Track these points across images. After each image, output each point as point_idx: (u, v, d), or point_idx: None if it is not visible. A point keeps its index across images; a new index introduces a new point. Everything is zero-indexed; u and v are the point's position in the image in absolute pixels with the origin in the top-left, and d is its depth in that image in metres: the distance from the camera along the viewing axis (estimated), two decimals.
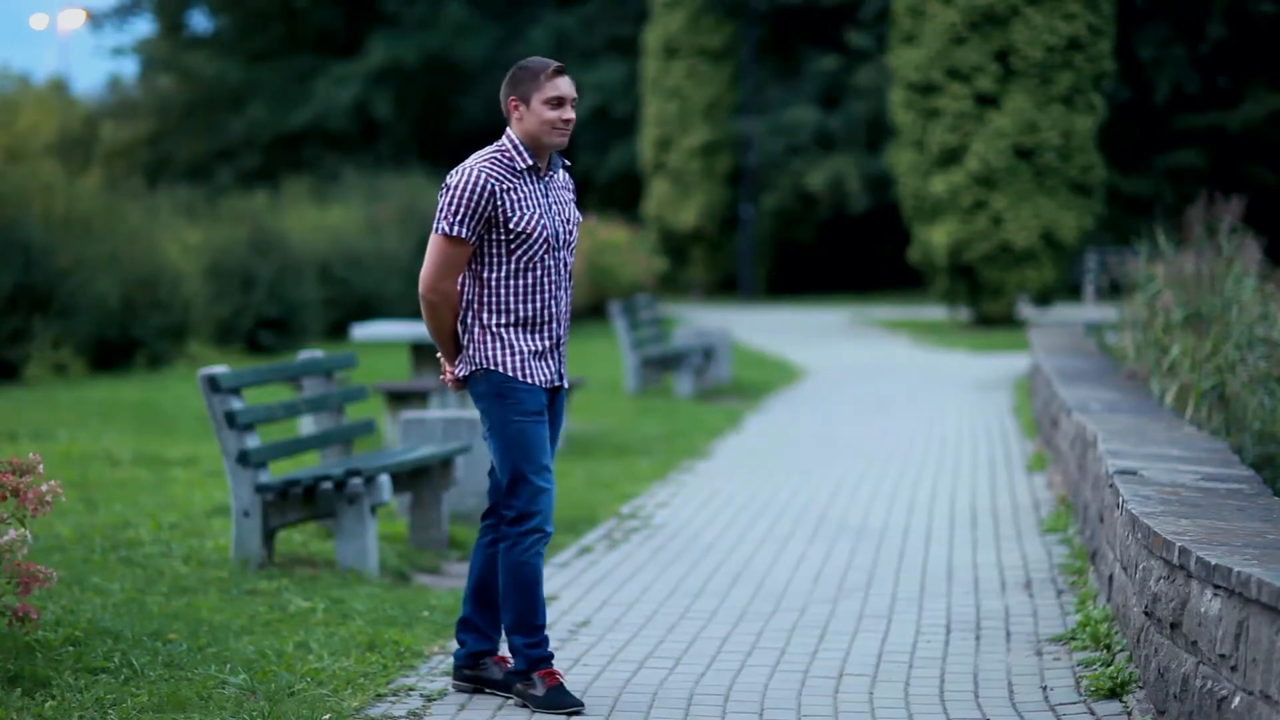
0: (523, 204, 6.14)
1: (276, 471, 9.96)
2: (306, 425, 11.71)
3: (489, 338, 6.17)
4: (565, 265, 6.26)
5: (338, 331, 25.97)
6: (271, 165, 45.37)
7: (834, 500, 11.14)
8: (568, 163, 6.40)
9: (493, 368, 6.17)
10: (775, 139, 41.37)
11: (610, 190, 44.23)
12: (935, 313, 33.17)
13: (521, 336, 6.18)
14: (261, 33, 49.13)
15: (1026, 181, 29.28)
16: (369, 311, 26.65)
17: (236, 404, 8.45)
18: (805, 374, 21.44)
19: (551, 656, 6.29)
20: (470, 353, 6.21)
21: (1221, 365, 10.73)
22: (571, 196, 6.37)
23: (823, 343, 26.92)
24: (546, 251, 6.18)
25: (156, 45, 50.49)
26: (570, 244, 6.28)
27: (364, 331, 14.27)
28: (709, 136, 41.15)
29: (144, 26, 69.66)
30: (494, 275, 6.16)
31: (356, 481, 8.46)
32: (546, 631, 6.34)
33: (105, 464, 12.04)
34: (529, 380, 6.18)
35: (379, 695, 6.36)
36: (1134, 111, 38.92)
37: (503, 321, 6.17)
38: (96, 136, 43.49)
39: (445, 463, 9.31)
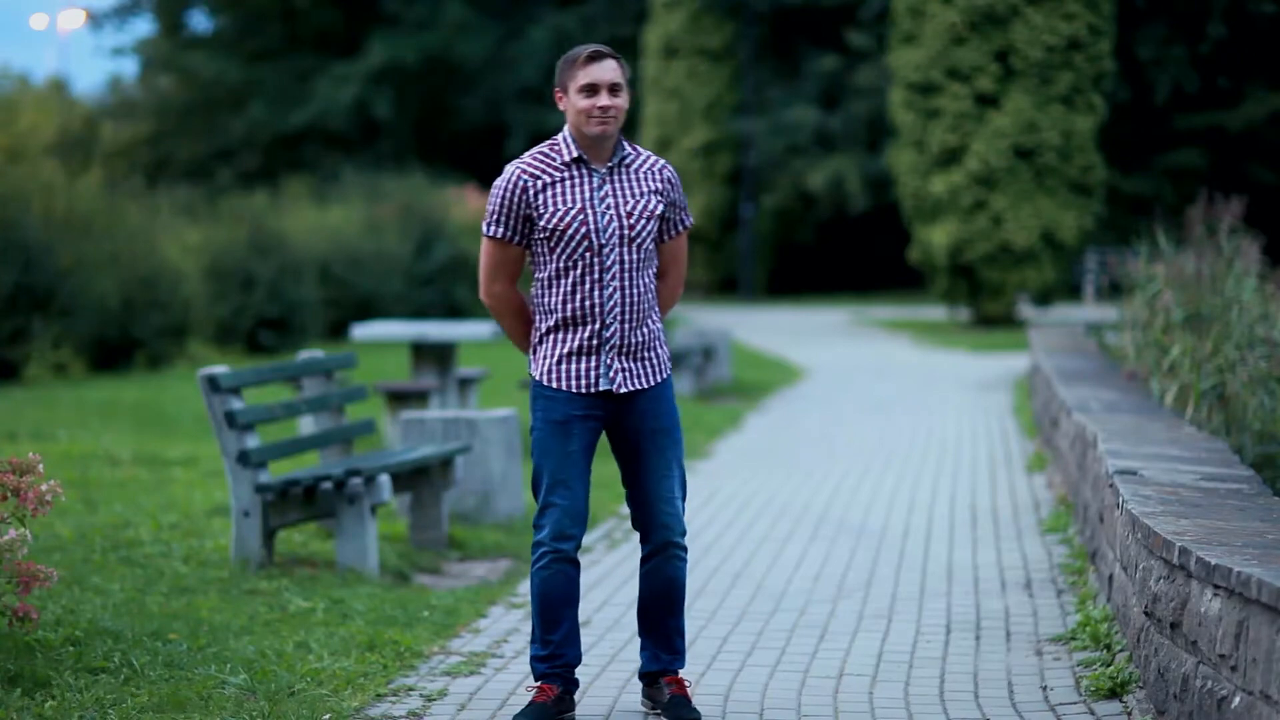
0: (558, 200, 5.93)
1: (276, 471, 9.96)
2: (306, 425, 11.72)
3: (537, 340, 6.05)
4: (622, 263, 5.93)
5: (338, 331, 25.98)
6: (271, 165, 45.38)
7: (834, 500, 11.14)
8: (648, 155, 6.07)
9: (532, 371, 6.07)
10: (775, 139, 41.38)
11: None
12: (935, 313, 33.17)
13: (560, 338, 5.98)
14: (261, 33, 49.16)
15: (1026, 181, 29.28)
16: (369, 311, 26.66)
17: (236, 404, 8.45)
18: (805, 374, 21.43)
19: (550, 674, 6.06)
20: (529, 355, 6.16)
21: (1221, 365, 10.73)
22: (652, 187, 6.02)
23: (823, 343, 26.92)
24: (588, 249, 5.91)
25: (156, 45, 50.52)
26: (632, 239, 5.94)
27: (364, 331, 14.27)
28: (709, 136, 41.15)
29: (144, 26, 69.65)
30: (543, 275, 5.99)
31: (356, 481, 8.46)
32: (558, 645, 6.08)
33: (105, 464, 12.04)
34: (555, 385, 5.98)
35: (379, 695, 6.36)
36: (1134, 111, 38.92)
37: (548, 325, 5.99)
38: (96, 136, 43.47)
39: (445, 463, 9.31)
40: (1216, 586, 5.38)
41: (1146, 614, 6.17)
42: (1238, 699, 5.19)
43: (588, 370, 5.98)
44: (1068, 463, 10.43)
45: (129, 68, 78.41)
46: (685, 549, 6.16)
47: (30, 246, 19.39)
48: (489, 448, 10.08)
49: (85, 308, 19.98)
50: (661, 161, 6.10)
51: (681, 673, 6.29)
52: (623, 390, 5.99)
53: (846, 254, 44.17)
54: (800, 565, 8.96)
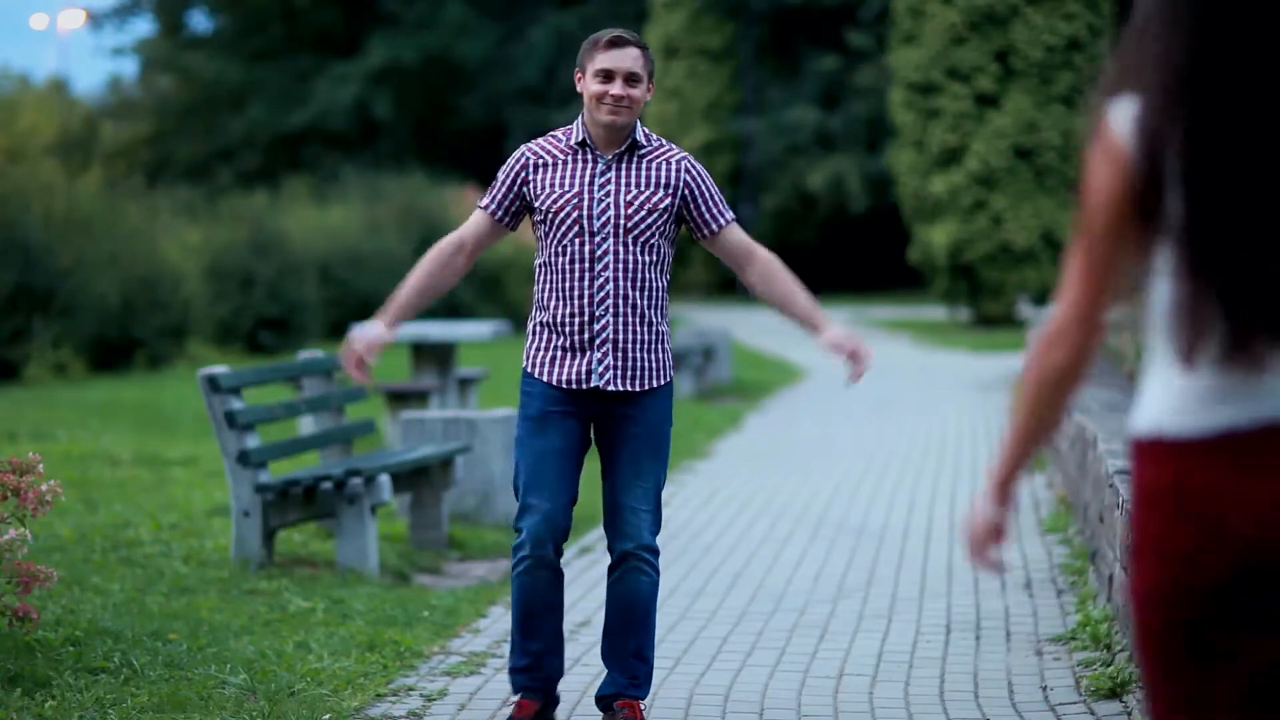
0: (555, 182, 5.66)
1: (276, 471, 9.96)
2: (306, 425, 11.72)
3: (529, 329, 5.80)
4: (616, 254, 5.63)
5: (338, 331, 25.96)
6: (271, 165, 45.42)
7: (834, 500, 11.14)
8: (671, 150, 5.76)
9: (523, 361, 5.80)
10: (775, 139, 41.39)
11: None
12: (935, 313, 33.17)
13: (551, 330, 5.70)
14: (261, 33, 49.20)
15: (1026, 181, 29.30)
16: (369, 311, 26.39)
17: (236, 404, 8.45)
18: (805, 374, 21.44)
19: (530, 688, 5.83)
20: None
21: None
22: (663, 180, 5.69)
23: None
24: (578, 234, 5.62)
25: (156, 45, 50.58)
26: (629, 229, 5.63)
27: None
28: (709, 136, 41.15)
29: (144, 26, 69.71)
30: (540, 261, 5.75)
31: (356, 481, 8.45)
32: (534, 652, 5.84)
33: (105, 464, 12.03)
34: (537, 375, 5.69)
35: (379, 695, 6.35)
36: None
37: (542, 318, 5.73)
38: (96, 136, 43.50)
39: (445, 463, 9.31)
40: None
41: None
42: None
43: (575, 364, 5.66)
44: (1068, 463, 10.43)
45: (129, 68, 78.49)
46: (650, 563, 5.80)
47: (30, 246, 19.39)
48: (489, 448, 10.08)
49: (85, 308, 19.98)
50: (680, 154, 5.77)
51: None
52: (610, 389, 5.66)
53: (846, 254, 44.17)
54: (800, 565, 8.95)
